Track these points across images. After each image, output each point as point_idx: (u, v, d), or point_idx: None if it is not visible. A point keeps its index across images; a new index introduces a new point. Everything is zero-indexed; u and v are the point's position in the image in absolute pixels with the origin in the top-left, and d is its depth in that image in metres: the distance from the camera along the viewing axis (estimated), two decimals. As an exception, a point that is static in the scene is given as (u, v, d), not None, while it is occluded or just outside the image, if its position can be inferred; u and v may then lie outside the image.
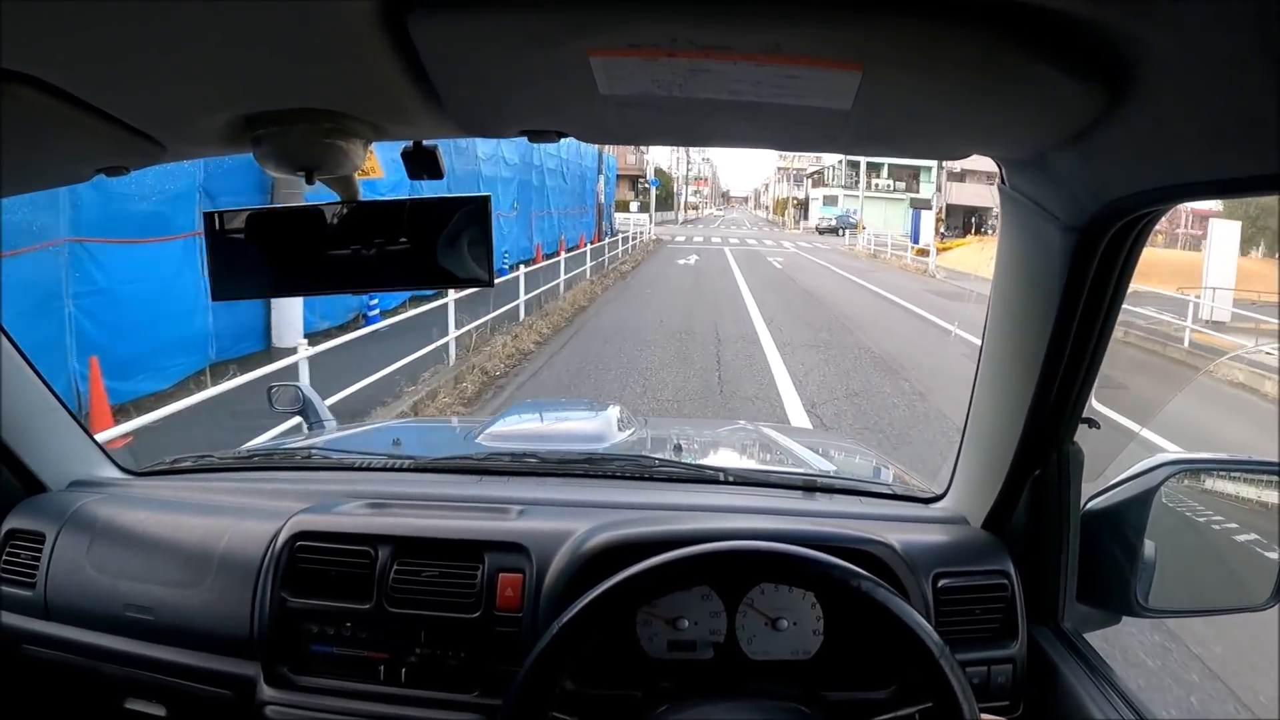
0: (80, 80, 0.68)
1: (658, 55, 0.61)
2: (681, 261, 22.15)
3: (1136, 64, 0.58)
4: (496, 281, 1.04)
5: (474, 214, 0.95)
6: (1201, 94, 0.58)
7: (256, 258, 0.98)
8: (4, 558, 1.30)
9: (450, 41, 0.62)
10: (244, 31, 0.60)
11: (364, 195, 0.97)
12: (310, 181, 0.85)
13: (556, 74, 0.66)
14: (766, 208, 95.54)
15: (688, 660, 1.08)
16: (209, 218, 0.97)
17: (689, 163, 68.08)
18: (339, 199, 0.95)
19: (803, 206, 63.43)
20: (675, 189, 61.90)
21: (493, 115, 0.80)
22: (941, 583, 1.10)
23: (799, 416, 6.23)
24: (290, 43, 0.62)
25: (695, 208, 75.58)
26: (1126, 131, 0.69)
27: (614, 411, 1.88)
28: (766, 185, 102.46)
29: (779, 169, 78.54)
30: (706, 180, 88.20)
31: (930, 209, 27.94)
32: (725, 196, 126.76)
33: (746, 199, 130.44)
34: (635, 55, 0.61)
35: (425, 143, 0.91)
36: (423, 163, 0.91)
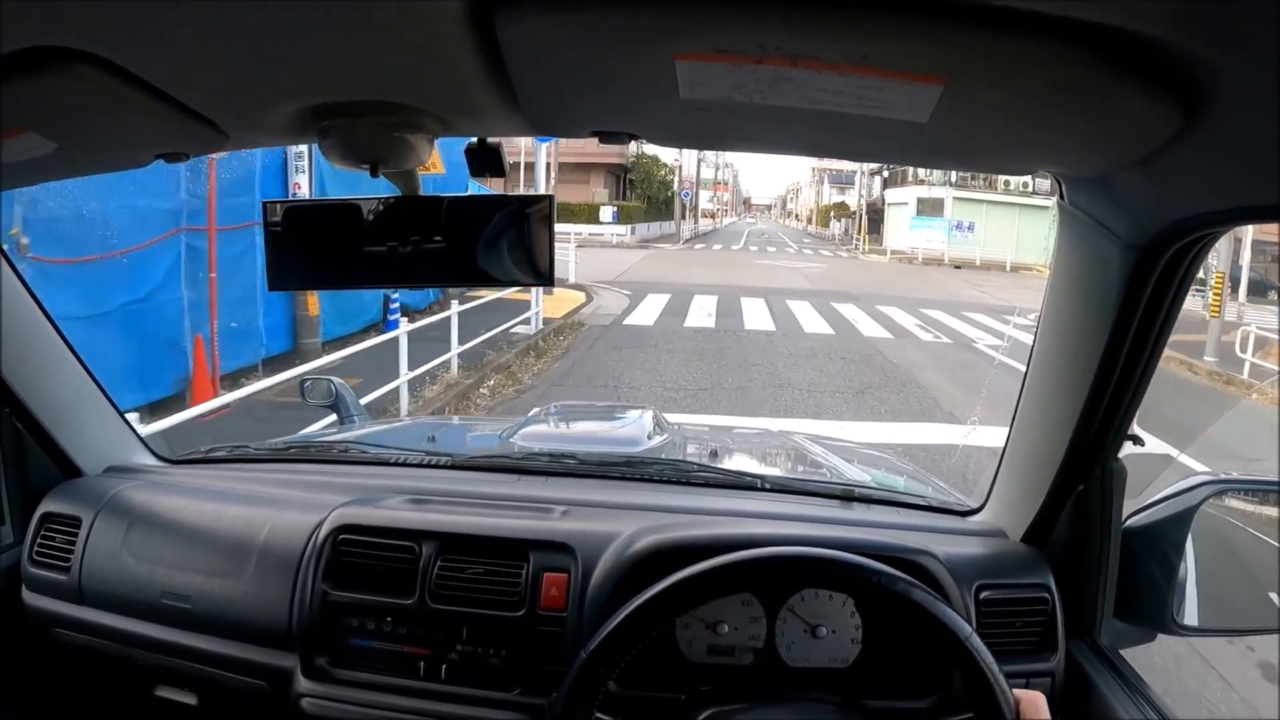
0: (146, 62, 0.67)
1: (745, 61, 0.61)
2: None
3: (1213, 87, 0.58)
4: None
5: (535, 214, 0.95)
6: (1276, 119, 0.59)
7: (313, 250, 0.98)
8: (39, 541, 1.31)
9: (537, 39, 0.62)
10: (322, 21, 0.60)
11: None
12: (375, 174, 0.86)
13: (639, 76, 0.67)
14: (798, 216, 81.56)
15: (727, 665, 1.08)
16: (267, 208, 0.97)
17: (703, 160, 48.03)
18: (398, 193, 0.95)
19: (874, 216, 39.09)
20: (677, 186, 38.47)
21: (566, 114, 0.80)
22: (984, 594, 1.10)
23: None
24: (370, 35, 0.62)
25: (712, 215, 59.94)
26: (1197, 153, 0.69)
27: (647, 415, 1.89)
28: (795, 190, 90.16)
29: (815, 169, 63.90)
30: (728, 185, 71.68)
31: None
32: (746, 203, 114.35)
33: (770, 206, 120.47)
34: (723, 61, 0.62)
35: (489, 140, 0.91)
36: (486, 159, 0.92)
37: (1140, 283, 0.89)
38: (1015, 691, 0.80)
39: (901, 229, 33.21)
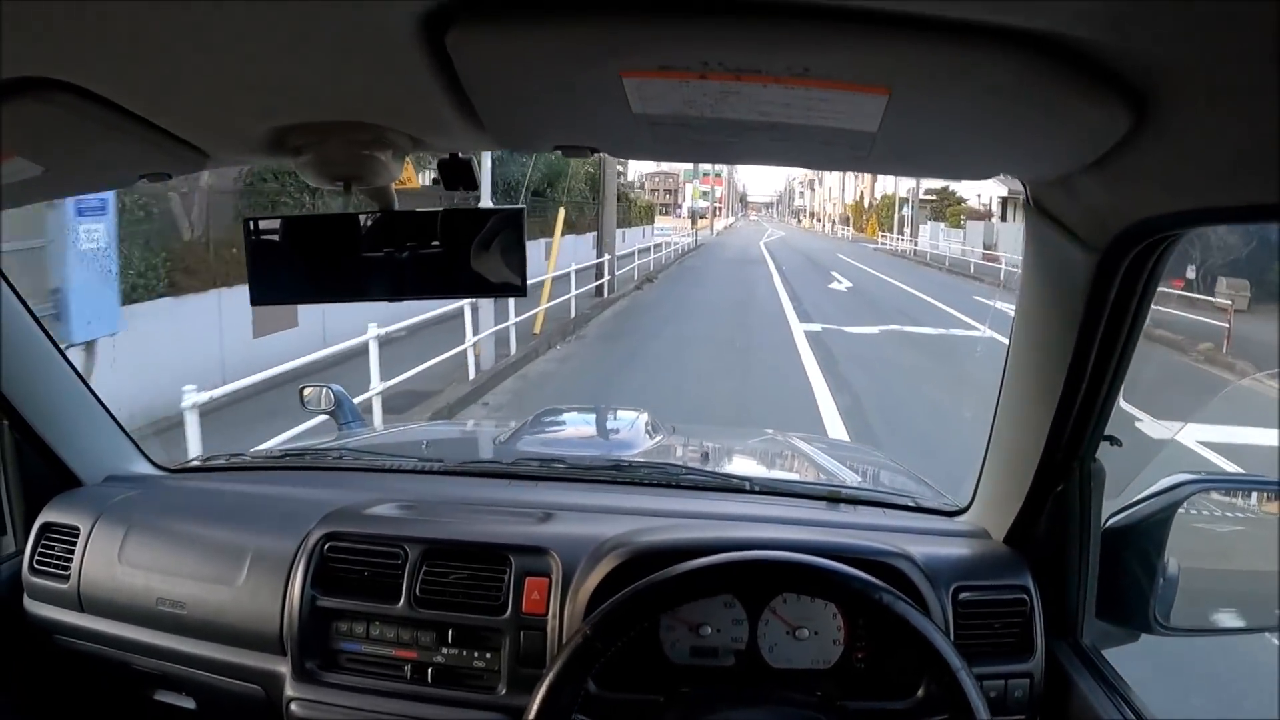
0: (124, 90, 0.70)
1: (689, 77, 0.62)
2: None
3: (1160, 89, 0.59)
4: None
5: (508, 223, 0.97)
6: (1225, 119, 0.59)
7: (294, 264, 1.01)
8: (39, 550, 1.34)
9: (487, 58, 0.63)
10: (286, 44, 0.62)
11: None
12: (348, 191, 0.88)
13: (590, 93, 0.68)
14: (820, 217, 67.18)
15: (709, 666, 1.09)
16: (248, 223, 0.99)
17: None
18: (377, 208, 0.97)
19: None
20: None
21: (527, 130, 0.81)
22: (962, 596, 1.10)
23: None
24: (331, 56, 0.64)
25: (700, 218, 45.15)
26: (1149, 155, 0.69)
27: (641, 419, 1.90)
28: (809, 180, 76.09)
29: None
30: (720, 178, 57.42)
31: None
32: (743, 201, 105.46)
33: (771, 204, 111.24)
34: (668, 77, 0.63)
35: (460, 155, 0.93)
36: (458, 173, 0.93)
37: (1104, 285, 0.90)
38: None
39: None
